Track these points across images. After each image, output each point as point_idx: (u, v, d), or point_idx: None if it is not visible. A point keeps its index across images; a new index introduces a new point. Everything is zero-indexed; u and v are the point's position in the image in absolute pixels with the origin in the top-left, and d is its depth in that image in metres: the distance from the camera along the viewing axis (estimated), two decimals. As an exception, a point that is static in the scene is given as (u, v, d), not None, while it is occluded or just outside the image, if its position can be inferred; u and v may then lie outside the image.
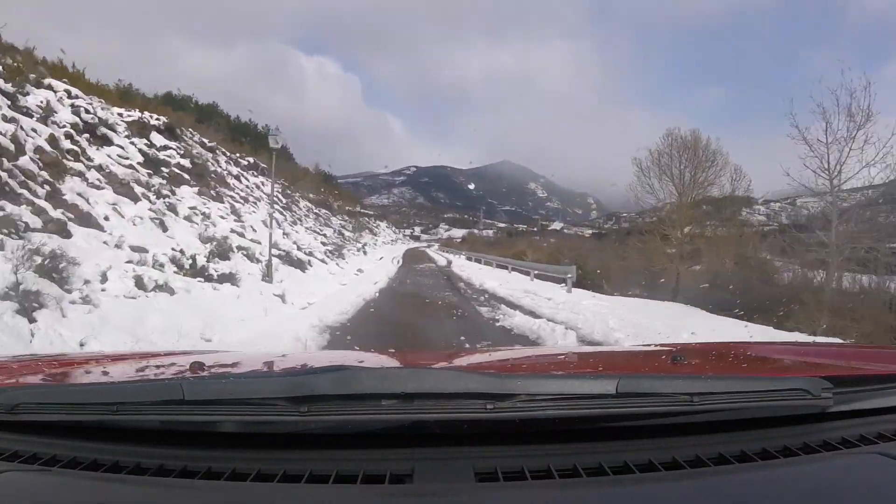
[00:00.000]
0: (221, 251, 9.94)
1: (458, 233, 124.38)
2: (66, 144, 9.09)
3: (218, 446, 0.75)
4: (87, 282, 5.97)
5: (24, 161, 7.28)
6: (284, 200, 22.86)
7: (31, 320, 4.80)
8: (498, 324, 7.87)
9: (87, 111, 10.92)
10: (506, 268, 19.66)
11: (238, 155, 22.05)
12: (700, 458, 0.70)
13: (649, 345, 2.89)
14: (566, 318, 7.96)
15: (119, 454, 0.74)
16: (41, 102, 9.54)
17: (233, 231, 12.17)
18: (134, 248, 7.69)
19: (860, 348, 1.62)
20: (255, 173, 21.81)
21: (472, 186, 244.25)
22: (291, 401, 0.71)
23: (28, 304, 4.87)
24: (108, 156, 10.39)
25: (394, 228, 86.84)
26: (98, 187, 8.96)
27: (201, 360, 1.10)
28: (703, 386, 0.78)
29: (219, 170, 16.94)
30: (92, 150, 10.03)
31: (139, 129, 12.99)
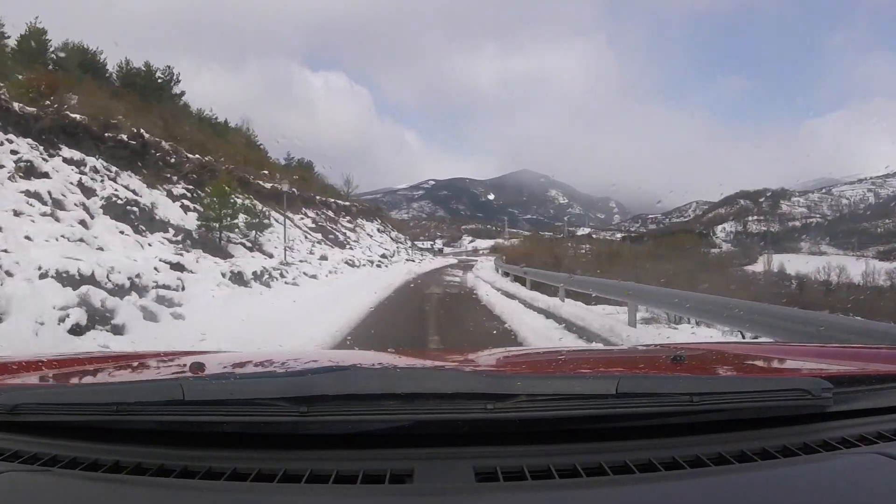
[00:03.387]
0: None
1: (483, 243, 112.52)
2: None
3: (218, 446, 0.75)
4: None
5: None
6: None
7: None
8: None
9: None
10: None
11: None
12: (700, 458, 0.70)
13: (649, 345, 2.89)
14: None
15: (119, 454, 0.74)
16: None
17: None
18: None
19: (860, 348, 1.62)
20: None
21: (491, 197, 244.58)
22: (291, 401, 0.71)
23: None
24: None
25: (395, 235, 46.43)
26: None
27: (201, 360, 1.10)
28: (703, 386, 0.79)
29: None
30: None
31: None
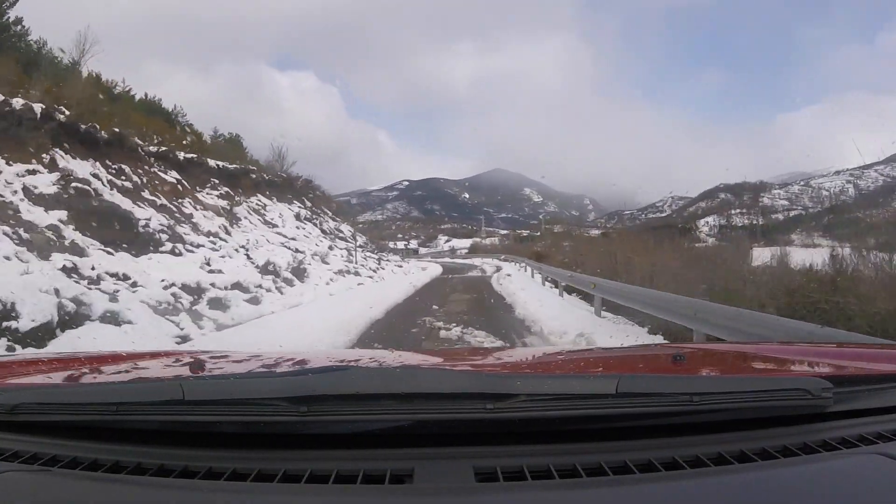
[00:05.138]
0: None
1: (460, 243, 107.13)
2: None
3: (218, 446, 0.75)
4: None
5: None
6: None
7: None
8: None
9: None
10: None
11: None
12: (700, 458, 0.70)
13: (649, 345, 2.90)
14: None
15: (119, 454, 0.74)
16: None
17: None
18: None
19: (860, 348, 1.62)
20: None
21: (466, 196, 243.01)
22: (291, 401, 0.71)
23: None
24: None
25: (333, 226, 26.14)
26: None
27: (201, 360, 1.10)
28: (703, 386, 0.79)
29: None
30: None
31: None
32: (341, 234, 24.82)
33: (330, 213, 27.77)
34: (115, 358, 1.47)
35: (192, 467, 0.70)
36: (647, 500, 0.64)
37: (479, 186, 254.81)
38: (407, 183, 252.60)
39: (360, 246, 25.37)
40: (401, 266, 27.70)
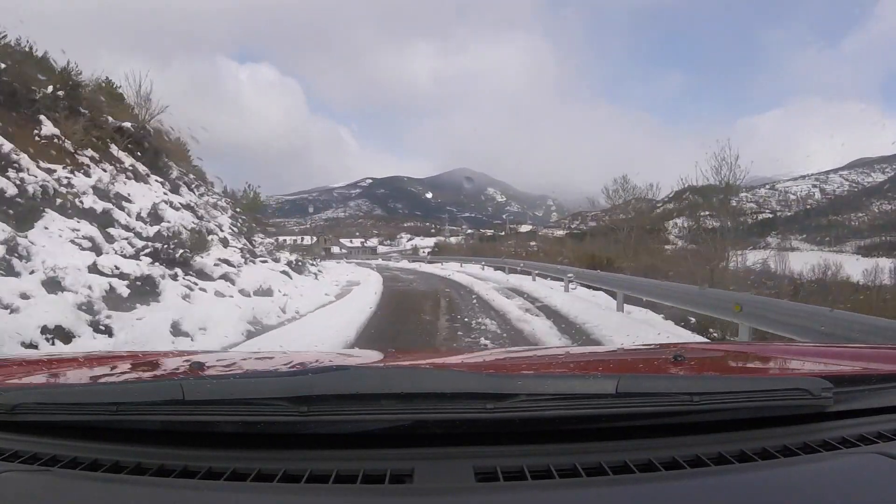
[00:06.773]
0: None
1: (422, 242, 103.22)
2: None
3: (218, 446, 0.75)
4: None
5: None
6: None
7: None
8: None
9: None
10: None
11: None
12: (700, 458, 0.70)
13: (649, 345, 2.90)
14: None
15: (119, 454, 0.74)
16: None
17: None
18: None
19: (860, 348, 1.63)
20: None
21: (429, 195, 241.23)
22: (291, 401, 0.71)
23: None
24: None
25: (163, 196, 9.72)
26: None
27: (201, 360, 1.10)
28: (703, 385, 0.79)
29: None
30: None
31: None
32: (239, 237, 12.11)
33: (132, 166, 11.36)
34: (115, 358, 1.47)
35: (191, 467, 0.70)
36: (647, 499, 0.64)
37: (443, 185, 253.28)
38: (370, 181, 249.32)
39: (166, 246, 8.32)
40: (310, 282, 12.99)
